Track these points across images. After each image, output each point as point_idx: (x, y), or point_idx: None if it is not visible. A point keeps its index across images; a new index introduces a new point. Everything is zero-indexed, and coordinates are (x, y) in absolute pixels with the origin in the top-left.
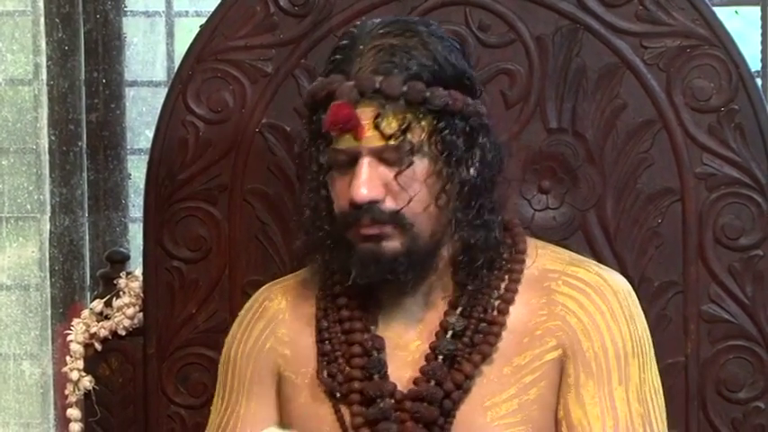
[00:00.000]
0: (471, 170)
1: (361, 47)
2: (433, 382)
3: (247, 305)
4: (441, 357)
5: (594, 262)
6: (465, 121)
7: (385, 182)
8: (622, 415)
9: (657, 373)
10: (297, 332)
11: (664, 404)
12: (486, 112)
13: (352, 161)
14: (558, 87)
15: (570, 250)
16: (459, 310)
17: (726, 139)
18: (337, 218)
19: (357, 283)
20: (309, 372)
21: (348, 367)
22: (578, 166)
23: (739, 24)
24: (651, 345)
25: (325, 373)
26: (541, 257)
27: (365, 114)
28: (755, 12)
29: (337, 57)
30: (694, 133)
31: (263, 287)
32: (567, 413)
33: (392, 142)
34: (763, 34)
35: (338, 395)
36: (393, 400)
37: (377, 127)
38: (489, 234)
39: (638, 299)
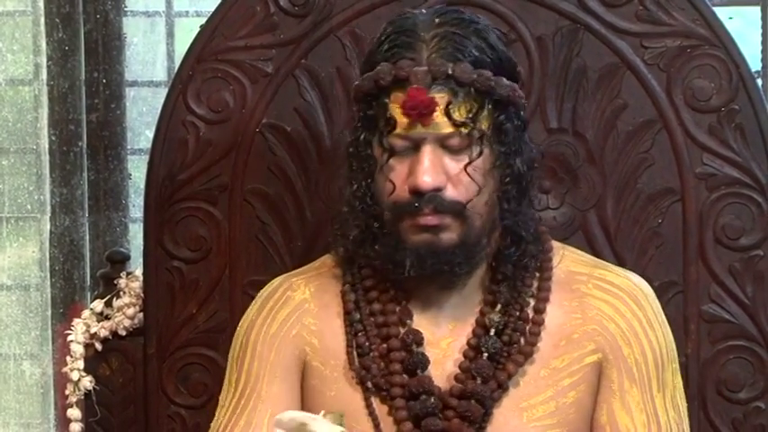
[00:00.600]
0: (521, 162)
1: (422, 34)
2: (479, 380)
3: (265, 294)
4: (486, 355)
5: (613, 265)
6: (519, 112)
7: (447, 171)
8: (663, 422)
9: (680, 376)
10: (324, 323)
11: (687, 406)
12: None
13: (414, 148)
14: (558, 87)
15: None
16: (499, 307)
17: (726, 139)
18: (391, 207)
19: (400, 276)
20: (339, 364)
21: (383, 362)
22: (579, 166)
23: (739, 24)
24: (676, 349)
25: (357, 365)
26: (566, 259)
27: (437, 100)
28: (755, 12)
29: (394, 44)
30: (695, 133)
31: (279, 278)
32: (613, 420)
33: (463, 130)
34: (763, 34)
35: (372, 388)
36: (435, 397)
37: (447, 114)
38: (536, 230)
39: None
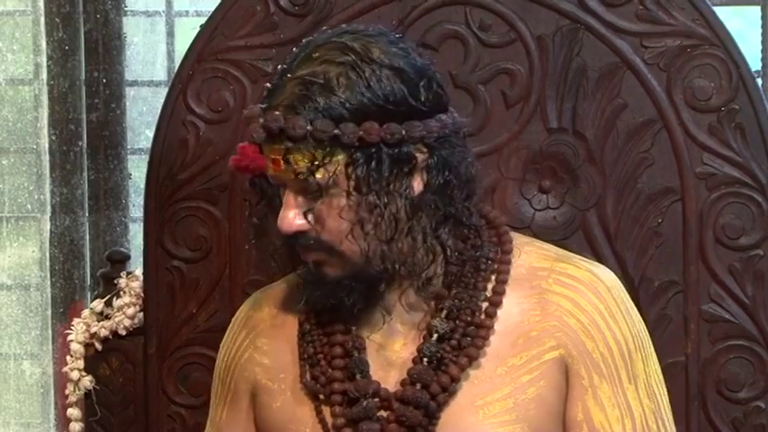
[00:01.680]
0: (412, 190)
1: (289, 75)
2: (419, 386)
3: (238, 314)
4: (425, 360)
5: (579, 257)
6: (394, 148)
7: (314, 212)
8: (638, 414)
9: (657, 361)
10: (278, 340)
11: (666, 392)
12: (453, 123)
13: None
14: (558, 87)
15: (570, 250)
16: (445, 313)
17: (726, 139)
18: (284, 241)
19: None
20: (288, 377)
21: (330, 369)
22: (579, 165)
23: (740, 24)
24: (648, 335)
25: (308, 376)
26: (528, 255)
27: (274, 151)
28: (756, 11)
29: (271, 84)
30: (695, 133)
31: (255, 293)
32: (588, 417)
33: (301, 178)
34: (763, 34)
35: (321, 397)
36: (377, 400)
37: (287, 162)
38: (464, 242)
39: (639, 299)
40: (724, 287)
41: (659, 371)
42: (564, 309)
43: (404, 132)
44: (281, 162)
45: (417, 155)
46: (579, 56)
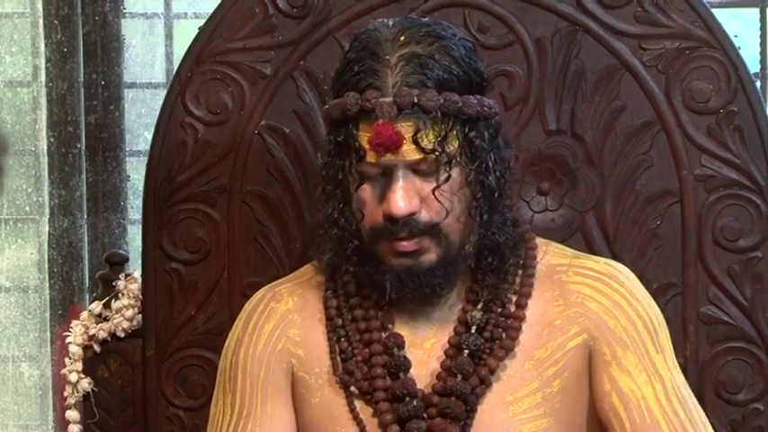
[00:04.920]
0: (494, 173)
1: (387, 57)
2: (459, 377)
3: (249, 308)
4: (466, 352)
5: (595, 256)
6: (489, 124)
7: (420, 194)
8: (668, 378)
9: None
10: (308, 332)
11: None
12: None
13: (385, 174)
14: (557, 89)
15: None
16: (480, 305)
17: (725, 141)
18: (367, 232)
19: (381, 298)
20: (323, 371)
21: (366, 366)
22: (577, 167)
23: (738, 26)
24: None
25: (341, 371)
26: (547, 254)
27: (404, 130)
28: (754, 14)
29: (360, 67)
30: (693, 135)
31: (263, 289)
32: (615, 384)
33: (431, 156)
34: (762, 36)
35: (356, 392)
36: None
37: (415, 142)
38: (514, 231)
39: None
40: (722, 289)
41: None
42: (585, 295)
43: (495, 108)
44: (409, 140)
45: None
46: (578, 58)
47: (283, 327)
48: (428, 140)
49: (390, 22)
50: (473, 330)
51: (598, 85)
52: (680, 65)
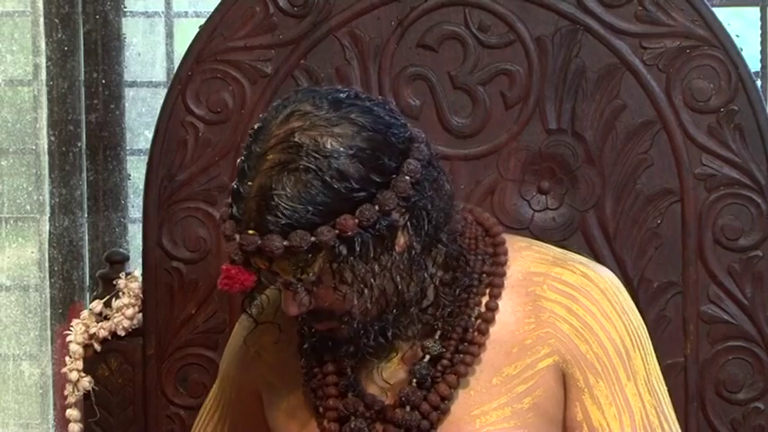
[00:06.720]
0: (401, 243)
1: (249, 184)
2: (408, 408)
3: (243, 315)
4: (415, 382)
5: (579, 258)
6: (373, 227)
7: (310, 295)
8: (637, 410)
9: (656, 360)
10: (285, 342)
11: (666, 389)
12: (421, 158)
13: None
14: (557, 88)
15: (570, 251)
16: (439, 333)
17: (725, 140)
18: None
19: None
20: (292, 381)
21: (325, 385)
22: (578, 166)
23: (739, 25)
24: (647, 334)
25: (308, 387)
26: (524, 260)
27: (259, 263)
28: (755, 12)
29: (236, 182)
30: (694, 134)
31: (267, 290)
32: (587, 416)
33: (291, 280)
34: (762, 35)
35: (320, 410)
36: (373, 412)
37: (273, 273)
38: (456, 264)
39: (638, 300)
40: (723, 288)
41: (658, 368)
42: (557, 315)
43: (377, 209)
44: (268, 272)
45: (397, 218)
46: (578, 57)
47: (260, 332)
48: (284, 272)
49: (283, 110)
50: (426, 361)
51: (598, 83)
52: (680, 64)
